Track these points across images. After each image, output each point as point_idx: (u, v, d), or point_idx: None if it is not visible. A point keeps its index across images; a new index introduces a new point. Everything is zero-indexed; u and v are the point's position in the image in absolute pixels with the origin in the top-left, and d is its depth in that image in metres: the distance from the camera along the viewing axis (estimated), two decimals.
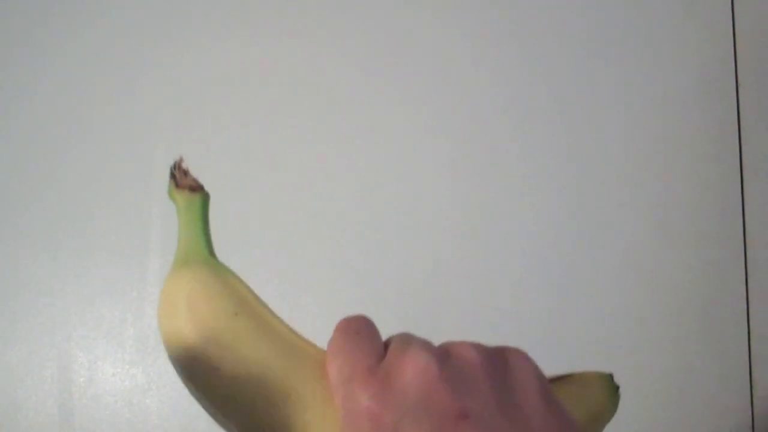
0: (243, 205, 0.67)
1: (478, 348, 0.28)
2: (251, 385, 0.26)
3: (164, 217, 0.71)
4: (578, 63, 0.71)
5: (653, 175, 0.70)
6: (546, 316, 0.68)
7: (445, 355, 0.27)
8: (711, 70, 0.70)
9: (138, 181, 0.70)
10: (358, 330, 0.28)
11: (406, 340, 0.28)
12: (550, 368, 0.70)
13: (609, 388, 0.31)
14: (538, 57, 0.72)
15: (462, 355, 0.27)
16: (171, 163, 0.34)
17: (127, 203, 0.70)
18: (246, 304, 0.30)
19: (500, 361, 0.28)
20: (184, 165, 0.32)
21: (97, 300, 0.70)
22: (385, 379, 0.25)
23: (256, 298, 0.30)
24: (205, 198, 0.33)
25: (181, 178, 0.32)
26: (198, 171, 0.75)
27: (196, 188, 0.32)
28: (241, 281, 0.31)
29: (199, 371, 0.28)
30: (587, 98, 0.71)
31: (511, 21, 0.72)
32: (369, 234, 0.70)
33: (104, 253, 0.70)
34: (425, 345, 0.27)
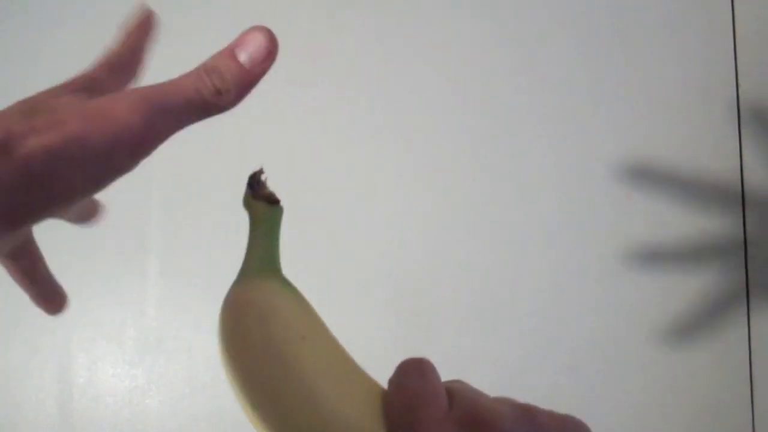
0: (240, 203, 0.67)
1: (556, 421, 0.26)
2: (305, 412, 0.26)
3: (164, 218, 0.71)
4: (578, 63, 0.71)
5: (653, 174, 0.70)
6: (545, 316, 0.68)
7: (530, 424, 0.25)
8: (711, 70, 0.70)
9: (138, 181, 0.70)
10: (424, 372, 0.27)
11: (477, 393, 0.27)
12: (550, 367, 0.70)
13: None
14: (536, 57, 0.72)
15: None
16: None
17: (127, 204, 0.70)
18: (314, 328, 0.29)
19: None
20: (263, 176, 0.32)
21: (98, 301, 0.70)
22: (470, 429, 0.24)
23: (322, 322, 0.30)
24: (281, 212, 0.32)
25: (259, 189, 0.32)
26: (197, 170, 0.75)
27: (274, 201, 0.31)
28: (308, 303, 0.30)
29: (255, 387, 0.28)
30: (586, 98, 0.71)
31: (511, 21, 0.73)
32: (368, 233, 0.70)
33: (104, 254, 0.70)
34: (510, 409, 0.26)
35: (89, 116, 0.23)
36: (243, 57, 0.25)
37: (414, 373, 0.27)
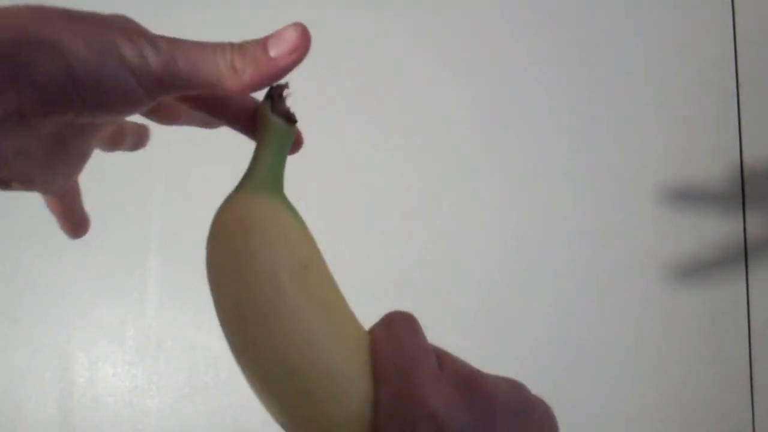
0: None
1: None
2: (294, 344, 0.25)
3: (165, 219, 0.71)
4: (578, 63, 0.71)
5: (653, 174, 0.70)
6: (545, 315, 0.68)
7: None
8: (711, 70, 0.70)
9: (139, 182, 0.70)
10: (416, 329, 0.27)
11: (461, 359, 0.27)
12: (550, 366, 0.70)
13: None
14: (536, 58, 0.72)
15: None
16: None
17: (127, 204, 0.70)
18: (315, 258, 0.28)
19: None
20: (286, 92, 0.30)
21: (98, 301, 0.70)
22: (464, 390, 0.25)
23: (320, 253, 0.29)
24: (295, 132, 0.30)
25: (280, 104, 0.29)
26: (196, 168, 0.75)
27: (292, 120, 0.29)
28: (309, 230, 0.29)
29: (245, 305, 0.26)
30: (586, 98, 0.71)
31: (511, 21, 0.72)
32: (366, 231, 0.69)
33: (105, 254, 0.70)
34: (496, 375, 0.27)
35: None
36: (271, 45, 0.25)
37: (407, 327, 0.27)
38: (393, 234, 0.70)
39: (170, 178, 0.71)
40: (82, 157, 0.31)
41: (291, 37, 0.26)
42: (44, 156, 0.26)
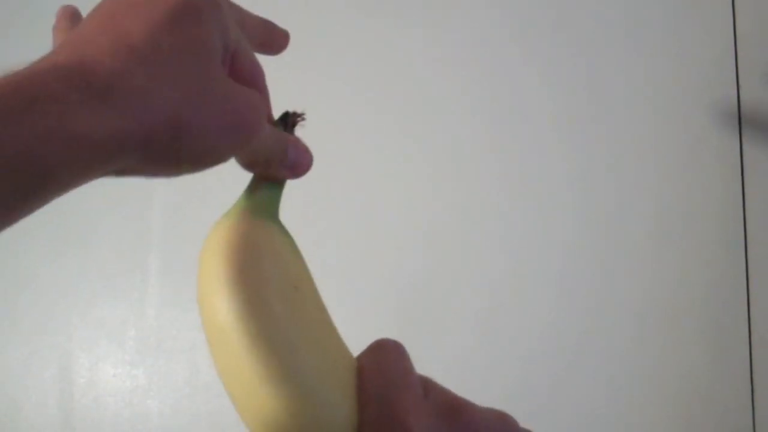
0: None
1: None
2: (280, 365, 0.25)
3: (165, 219, 0.71)
4: (577, 63, 0.71)
5: (653, 174, 0.70)
6: (545, 315, 0.68)
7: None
8: (711, 70, 0.70)
9: (139, 182, 0.70)
10: (403, 356, 0.27)
11: (446, 388, 0.28)
12: (549, 367, 0.70)
13: None
14: (536, 58, 0.72)
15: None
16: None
17: (128, 204, 0.70)
18: (306, 281, 0.29)
19: None
20: (301, 121, 0.31)
21: (98, 301, 0.70)
22: (447, 418, 0.25)
23: (311, 278, 0.29)
24: None
25: (290, 131, 0.31)
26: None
27: None
28: (302, 255, 0.30)
29: (234, 323, 0.26)
30: (586, 98, 0.71)
31: (511, 22, 0.72)
32: (366, 231, 0.70)
33: (105, 255, 0.70)
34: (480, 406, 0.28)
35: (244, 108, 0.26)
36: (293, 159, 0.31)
37: (394, 354, 0.27)
38: (393, 234, 0.70)
39: (171, 179, 0.71)
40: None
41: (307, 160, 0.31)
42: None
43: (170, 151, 0.24)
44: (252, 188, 0.30)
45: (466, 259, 0.69)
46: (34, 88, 0.20)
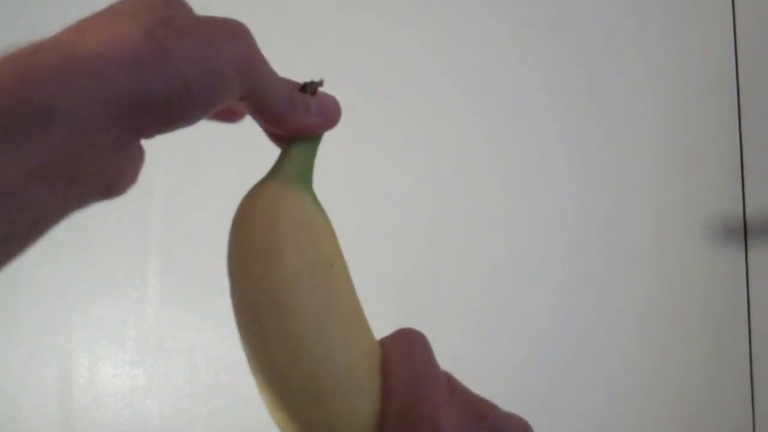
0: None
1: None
2: (313, 347, 0.25)
3: (165, 219, 0.71)
4: (578, 64, 0.71)
5: (653, 174, 0.70)
6: (545, 315, 0.68)
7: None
8: (711, 70, 0.70)
9: (139, 182, 0.70)
10: (430, 351, 0.27)
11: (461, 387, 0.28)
12: (549, 367, 0.70)
13: None
14: (537, 59, 0.72)
15: None
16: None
17: (128, 204, 0.70)
18: (339, 259, 0.28)
19: None
20: (320, 90, 0.30)
21: (98, 301, 0.70)
22: (473, 419, 0.25)
23: (342, 254, 0.29)
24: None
25: None
26: (197, 168, 0.75)
27: None
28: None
29: (264, 296, 0.25)
30: (586, 99, 0.71)
31: (512, 22, 0.72)
32: (366, 232, 0.70)
33: (105, 254, 0.70)
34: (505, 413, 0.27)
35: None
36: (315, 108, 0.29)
37: (421, 346, 0.27)
38: (393, 234, 0.70)
39: (170, 179, 0.71)
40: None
41: (335, 111, 0.30)
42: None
43: (166, 69, 0.22)
44: (284, 153, 0.30)
45: (466, 260, 0.69)
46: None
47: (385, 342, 0.28)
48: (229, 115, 0.32)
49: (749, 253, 0.68)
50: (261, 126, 0.30)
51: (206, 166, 0.70)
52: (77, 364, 0.69)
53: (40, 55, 0.21)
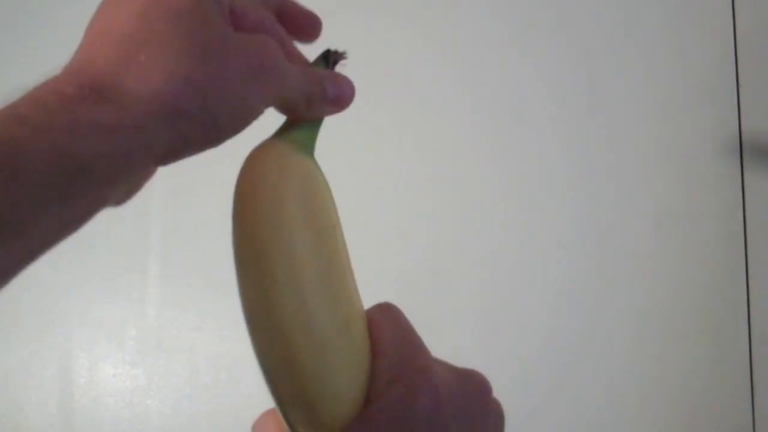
0: None
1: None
2: (320, 285, 0.25)
3: (165, 219, 0.71)
4: (578, 63, 0.71)
5: (653, 174, 0.70)
6: (545, 315, 0.68)
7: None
8: (711, 70, 0.70)
9: None
10: (406, 317, 0.29)
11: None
12: (549, 367, 0.70)
13: None
14: (537, 59, 0.72)
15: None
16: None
17: (128, 204, 0.70)
18: (337, 221, 0.29)
19: None
20: (344, 61, 0.31)
21: (98, 301, 0.70)
22: (459, 377, 0.26)
23: (339, 218, 0.30)
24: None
25: (332, 68, 0.31)
26: (196, 168, 0.75)
27: None
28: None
29: (270, 253, 0.25)
30: (586, 98, 0.71)
31: (512, 22, 0.72)
32: (366, 232, 0.70)
33: (105, 254, 0.70)
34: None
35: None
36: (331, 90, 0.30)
37: (405, 318, 0.29)
38: (393, 234, 0.70)
39: (170, 179, 0.71)
40: None
41: (349, 92, 0.30)
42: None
43: (202, 117, 0.23)
44: (285, 127, 0.30)
45: (466, 259, 0.69)
46: (45, 95, 0.21)
47: (369, 311, 0.28)
48: (306, 34, 0.33)
49: (749, 252, 0.68)
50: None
51: (206, 166, 0.70)
52: (77, 364, 0.69)
53: (90, 108, 0.21)
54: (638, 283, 0.68)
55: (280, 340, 0.25)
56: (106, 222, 0.74)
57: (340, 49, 0.30)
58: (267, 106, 0.26)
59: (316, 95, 0.29)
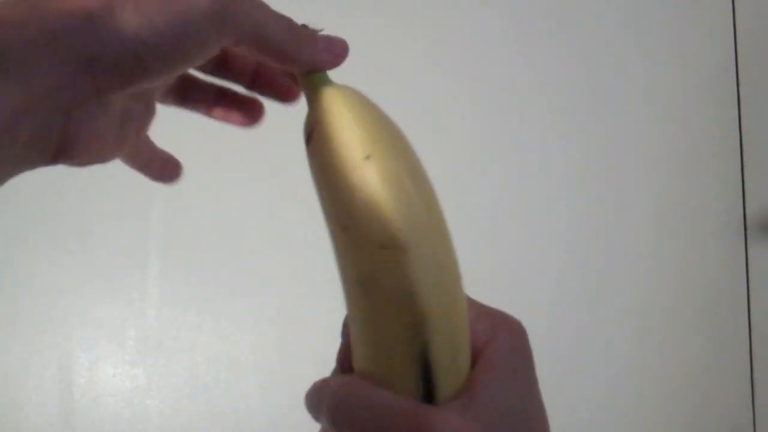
0: (243, 204, 0.67)
1: None
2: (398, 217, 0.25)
3: (165, 219, 0.71)
4: (578, 63, 0.71)
5: (654, 174, 0.70)
6: (544, 314, 0.68)
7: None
8: (711, 70, 0.70)
9: (139, 182, 0.70)
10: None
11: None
12: (550, 367, 0.70)
13: None
14: (537, 59, 0.72)
15: None
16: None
17: (128, 204, 0.70)
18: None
19: None
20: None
21: (98, 300, 0.70)
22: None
23: None
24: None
25: None
26: (196, 168, 0.75)
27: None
28: None
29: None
30: (586, 98, 0.71)
31: (512, 22, 0.72)
32: None
33: (105, 254, 0.70)
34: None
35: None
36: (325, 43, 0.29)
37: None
38: None
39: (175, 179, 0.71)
40: (148, 116, 0.31)
41: (342, 47, 0.30)
42: (116, 132, 0.27)
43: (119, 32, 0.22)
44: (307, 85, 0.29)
45: (465, 259, 0.69)
46: None
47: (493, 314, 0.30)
48: (285, 94, 0.32)
49: (749, 252, 0.68)
50: (276, 67, 0.30)
51: (206, 166, 0.70)
52: (77, 364, 0.69)
53: (14, 5, 0.21)
54: (638, 283, 0.68)
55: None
56: (106, 222, 0.74)
57: (318, 27, 0.30)
58: (224, 33, 0.24)
59: (305, 40, 0.28)
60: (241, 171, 0.68)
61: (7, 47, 0.20)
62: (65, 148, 0.24)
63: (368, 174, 0.25)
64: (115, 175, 0.74)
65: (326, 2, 0.73)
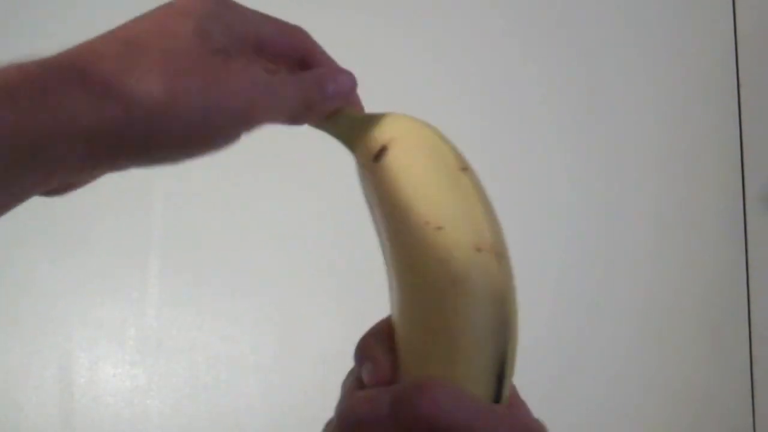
0: (243, 204, 0.67)
1: None
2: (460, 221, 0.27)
3: (165, 219, 0.71)
4: (578, 63, 0.71)
5: (654, 174, 0.70)
6: (544, 315, 0.68)
7: None
8: (711, 70, 0.70)
9: (139, 182, 0.70)
10: None
11: None
12: (549, 367, 0.70)
13: None
14: (537, 58, 0.72)
15: None
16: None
17: (128, 204, 0.70)
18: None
19: None
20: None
21: (98, 300, 0.70)
22: None
23: None
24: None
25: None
26: (196, 169, 0.75)
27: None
28: None
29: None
30: (586, 98, 0.71)
31: (512, 22, 0.72)
32: (366, 234, 0.69)
33: (105, 254, 0.70)
34: None
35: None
36: (329, 86, 0.30)
37: None
38: None
39: (170, 180, 0.71)
40: None
41: (349, 85, 0.31)
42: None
43: (151, 129, 0.24)
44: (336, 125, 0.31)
45: None
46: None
47: None
48: None
49: (749, 252, 0.68)
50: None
51: (206, 167, 0.70)
52: (77, 364, 0.69)
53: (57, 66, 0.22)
54: (638, 283, 0.68)
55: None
56: (106, 222, 0.74)
57: None
58: (251, 125, 0.27)
59: (314, 98, 0.29)
60: (242, 171, 0.68)
61: (53, 142, 0.22)
62: (58, 191, 0.26)
63: (465, 182, 0.28)
64: (115, 175, 0.74)
65: (326, 2, 0.73)
